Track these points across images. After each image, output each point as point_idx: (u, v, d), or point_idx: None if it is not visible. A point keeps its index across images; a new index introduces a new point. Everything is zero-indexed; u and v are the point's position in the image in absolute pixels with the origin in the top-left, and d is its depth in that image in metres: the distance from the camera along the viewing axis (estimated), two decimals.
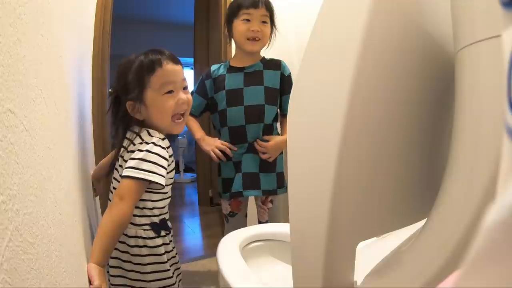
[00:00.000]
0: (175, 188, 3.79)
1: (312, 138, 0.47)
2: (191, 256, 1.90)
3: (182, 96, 0.81)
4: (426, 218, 0.48)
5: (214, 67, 1.29)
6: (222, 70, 1.27)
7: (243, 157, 1.23)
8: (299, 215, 0.50)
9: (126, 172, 0.72)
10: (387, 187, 0.49)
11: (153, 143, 0.74)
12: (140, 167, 0.71)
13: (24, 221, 0.34)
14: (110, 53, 1.53)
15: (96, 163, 1.23)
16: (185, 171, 4.05)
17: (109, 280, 0.80)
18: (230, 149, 1.23)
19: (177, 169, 4.08)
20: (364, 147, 0.45)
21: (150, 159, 0.72)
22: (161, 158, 0.74)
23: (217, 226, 2.37)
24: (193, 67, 3.05)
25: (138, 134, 0.78)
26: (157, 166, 0.73)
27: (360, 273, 0.52)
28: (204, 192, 2.85)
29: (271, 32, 1.23)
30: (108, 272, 0.79)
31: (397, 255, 0.52)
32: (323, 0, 0.46)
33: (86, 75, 1.10)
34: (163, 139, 0.77)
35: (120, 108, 0.82)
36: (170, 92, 0.79)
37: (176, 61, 0.81)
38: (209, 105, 1.29)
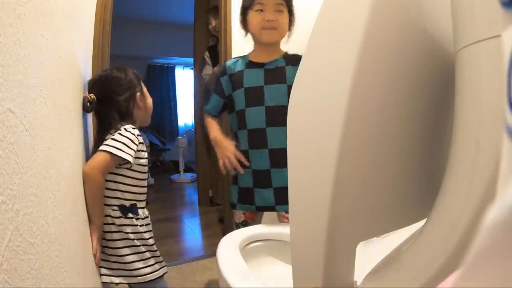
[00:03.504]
0: (175, 188, 3.74)
1: (312, 137, 0.47)
2: (191, 256, 1.90)
3: None
4: (426, 218, 0.48)
5: (229, 63, 1.19)
6: (240, 66, 1.17)
7: (272, 171, 1.13)
8: (299, 215, 0.50)
9: (101, 148, 0.87)
10: (387, 187, 0.49)
11: (124, 129, 0.92)
12: (111, 144, 0.88)
13: (24, 221, 0.34)
14: (110, 53, 1.52)
15: None
16: (185, 171, 4.05)
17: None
18: (242, 163, 1.12)
19: (177, 169, 4.09)
20: (364, 147, 0.45)
21: (120, 139, 0.89)
22: (130, 141, 0.90)
23: (217, 226, 2.37)
24: (193, 67, 3.05)
25: (118, 129, 0.93)
26: (125, 146, 0.89)
27: (360, 273, 0.52)
28: (204, 192, 2.85)
29: (290, 21, 1.13)
30: None
31: (397, 255, 0.52)
32: None
33: (86, 75, 1.10)
34: (133, 129, 0.94)
35: (111, 108, 0.96)
36: None
37: None
38: (226, 104, 1.20)
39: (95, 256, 0.82)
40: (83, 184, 0.84)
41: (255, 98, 1.12)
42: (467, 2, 0.40)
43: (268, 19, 1.08)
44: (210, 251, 1.92)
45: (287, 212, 1.18)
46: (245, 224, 1.22)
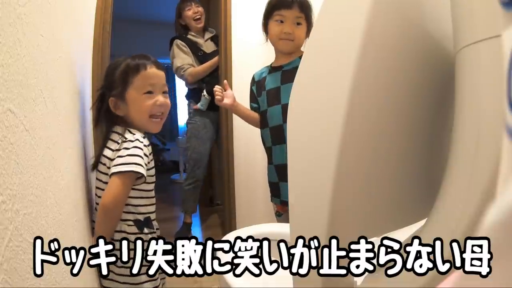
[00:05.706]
0: (175, 188, 3.72)
1: (312, 138, 0.47)
2: None
3: (161, 98, 0.88)
4: (426, 218, 0.48)
5: (255, 73, 1.33)
6: (264, 73, 1.30)
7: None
8: (299, 215, 0.50)
9: (112, 170, 0.78)
10: (387, 188, 0.49)
11: (137, 140, 0.82)
12: (119, 162, 0.79)
13: (24, 221, 0.35)
14: (110, 53, 1.52)
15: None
16: (185, 171, 4.04)
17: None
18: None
19: (177, 169, 4.08)
20: (364, 147, 0.45)
21: (126, 153, 0.80)
22: (138, 156, 0.81)
23: (217, 226, 2.37)
24: None
25: (122, 135, 0.84)
26: (141, 158, 0.81)
27: None
28: (204, 192, 2.84)
29: (308, 30, 1.17)
30: None
31: None
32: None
33: (86, 75, 1.10)
34: (143, 137, 0.85)
35: (103, 104, 0.88)
36: (149, 92, 0.87)
37: (160, 67, 0.90)
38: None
39: None
40: (101, 215, 0.79)
41: (274, 98, 1.21)
42: (467, 2, 0.40)
43: (286, 31, 1.14)
44: None
45: None
46: (279, 214, 1.33)
